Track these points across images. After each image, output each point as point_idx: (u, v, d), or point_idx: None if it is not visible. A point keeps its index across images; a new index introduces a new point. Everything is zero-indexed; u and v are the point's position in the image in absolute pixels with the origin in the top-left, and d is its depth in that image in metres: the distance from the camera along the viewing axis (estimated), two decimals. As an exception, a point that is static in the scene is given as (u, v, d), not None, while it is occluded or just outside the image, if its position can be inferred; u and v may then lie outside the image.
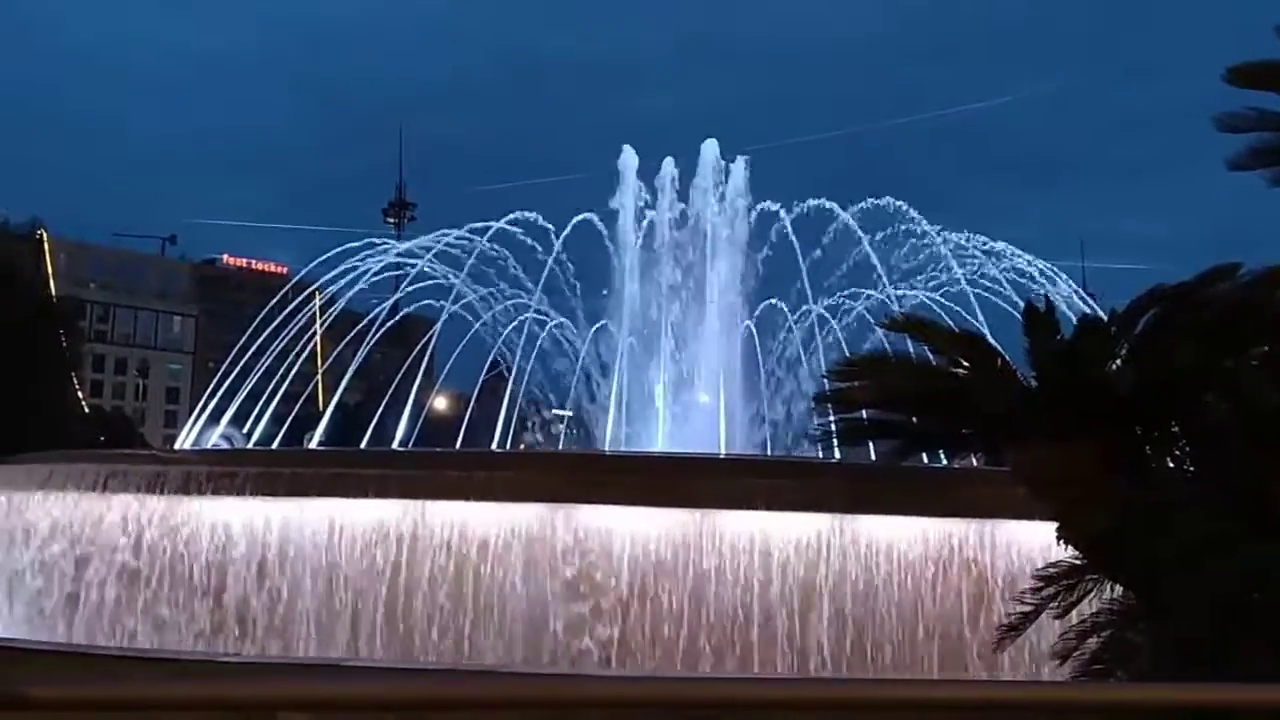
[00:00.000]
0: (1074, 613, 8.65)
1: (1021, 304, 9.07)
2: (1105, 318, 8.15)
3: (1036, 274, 24.70)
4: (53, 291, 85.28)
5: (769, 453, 23.46)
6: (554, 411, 28.77)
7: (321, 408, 34.70)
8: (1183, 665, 7.09)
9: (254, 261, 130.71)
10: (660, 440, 24.48)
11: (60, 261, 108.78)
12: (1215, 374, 7.97)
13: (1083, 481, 7.59)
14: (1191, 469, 8.53)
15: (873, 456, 14.64)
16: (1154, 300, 7.71)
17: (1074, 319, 10.47)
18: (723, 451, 21.95)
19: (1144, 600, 7.88)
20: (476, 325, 26.11)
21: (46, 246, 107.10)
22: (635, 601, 13.82)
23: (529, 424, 29.56)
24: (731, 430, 24.10)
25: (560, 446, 27.68)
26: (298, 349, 26.45)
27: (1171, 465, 8.59)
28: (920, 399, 8.72)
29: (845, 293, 26.07)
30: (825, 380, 10.38)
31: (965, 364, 8.42)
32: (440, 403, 52.99)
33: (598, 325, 25.73)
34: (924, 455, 13.91)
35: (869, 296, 25.52)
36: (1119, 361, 8.21)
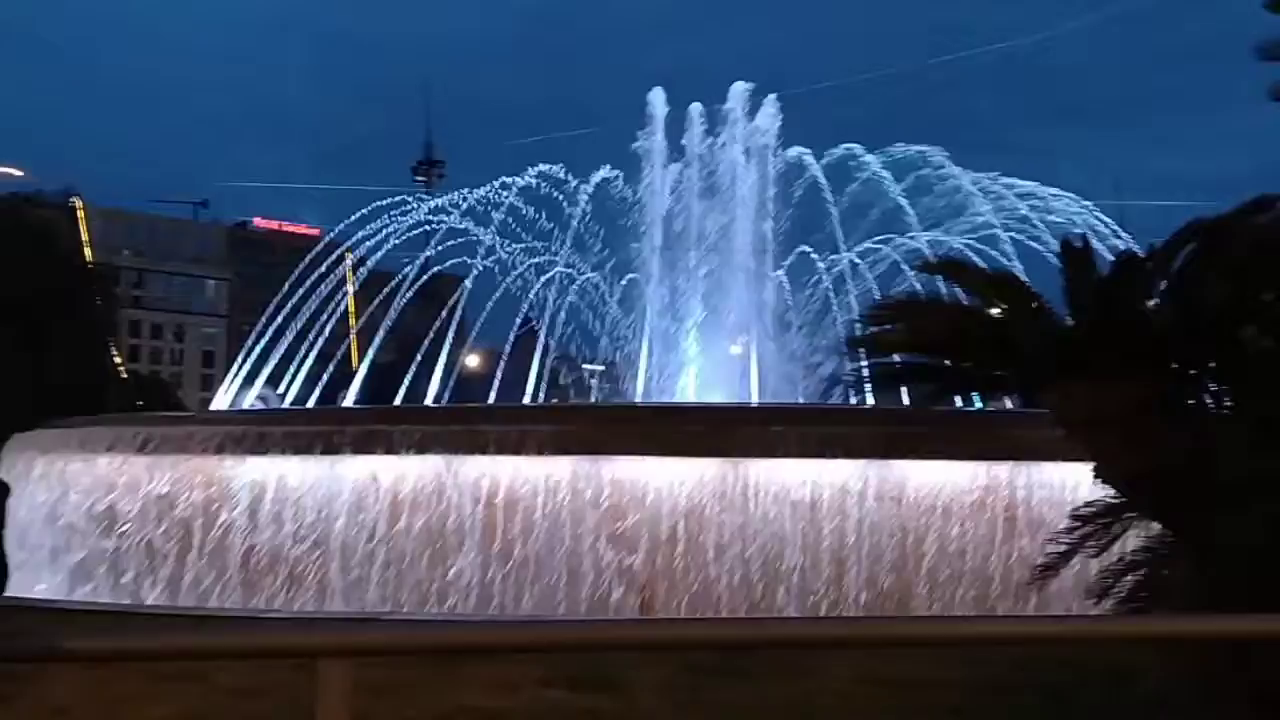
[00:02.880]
0: (1112, 553, 8.60)
1: (1056, 246, 8.92)
2: (1142, 254, 8.01)
3: (1071, 214, 24.34)
4: (88, 258, 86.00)
5: (802, 402, 23.41)
6: (586, 366, 28.79)
7: (355, 367, 34.92)
8: (1220, 603, 7.03)
9: (285, 223, 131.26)
10: (692, 392, 24.47)
11: (95, 229, 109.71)
12: (1254, 309, 7.82)
13: (1120, 420, 7.50)
14: (1232, 407, 8.39)
15: (905, 401, 14.59)
16: (1190, 235, 7.55)
17: (1111, 258, 10.29)
18: (755, 401, 21.92)
19: (1182, 539, 7.80)
20: (506, 282, 26.13)
21: (81, 214, 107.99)
22: (670, 551, 13.89)
23: (561, 379, 29.63)
24: (763, 380, 24.05)
25: (593, 400, 27.73)
26: (329, 310, 26.60)
27: (1212, 403, 8.46)
28: (954, 341, 8.61)
29: (877, 239, 25.85)
30: (857, 325, 10.29)
31: (999, 305, 8.31)
32: (473, 360, 53.15)
33: (627, 277, 25.65)
34: (958, 399, 13.83)
35: (901, 244, 25.28)
36: (1157, 299, 8.06)
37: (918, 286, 16.88)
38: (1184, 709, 7.24)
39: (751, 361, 24.02)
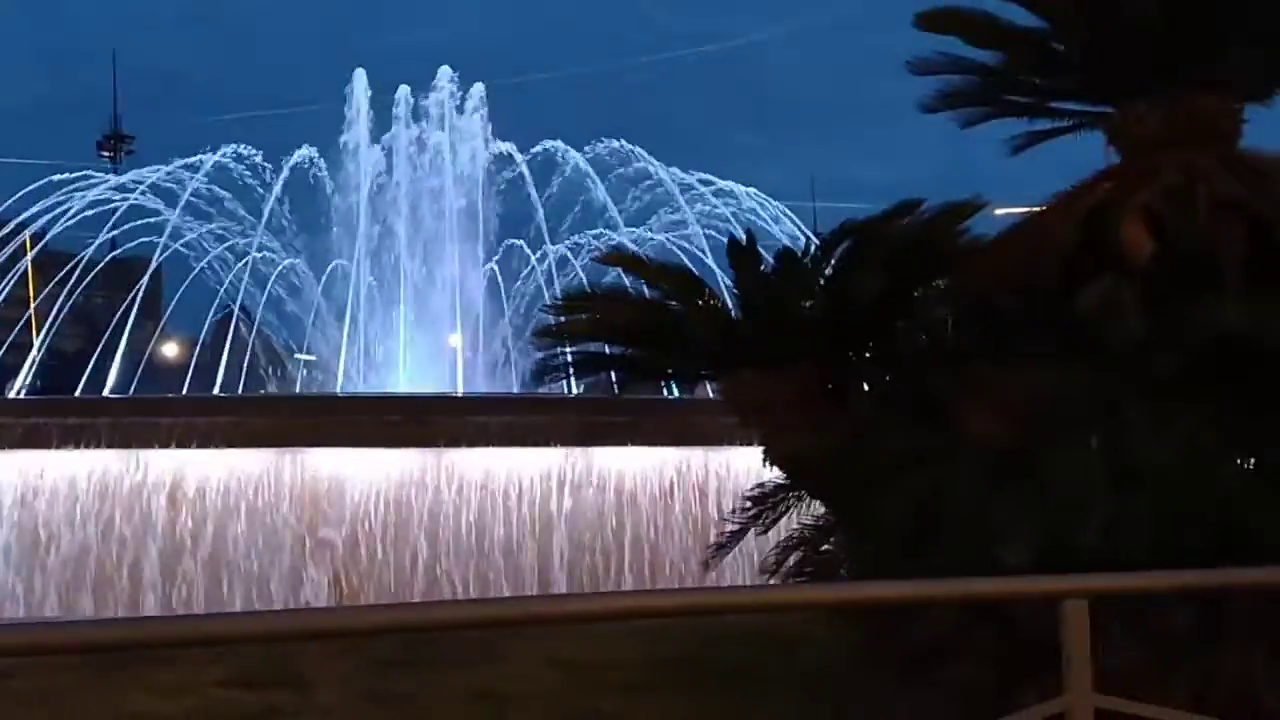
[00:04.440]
0: (786, 532, 9.19)
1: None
2: (800, 252, 8.59)
3: (764, 213, 25.60)
4: None
5: (516, 391, 23.55)
6: (298, 356, 27.83)
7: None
8: (871, 575, 7.63)
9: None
10: (401, 382, 24.11)
11: None
12: (903, 303, 8.53)
13: (784, 406, 8.02)
14: (889, 392, 9.12)
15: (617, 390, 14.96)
16: (844, 235, 8.18)
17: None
18: (460, 391, 21.89)
19: (841, 515, 8.42)
20: (198, 267, 24.79)
21: None
22: (368, 545, 13.67)
23: (265, 368, 28.49)
24: (475, 371, 24.00)
25: (297, 390, 26.83)
26: (-3, 292, 24.42)
27: (871, 390, 9.16)
28: (637, 332, 8.95)
29: (588, 233, 26.28)
30: (550, 316, 10.50)
31: (678, 297, 8.69)
32: (171, 348, 50.11)
33: (331, 265, 24.91)
34: (666, 388, 14.33)
35: (608, 238, 25.79)
36: (819, 292, 8.65)
37: (625, 280, 17.32)
38: (838, 675, 7.82)
39: (458, 352, 23.93)
